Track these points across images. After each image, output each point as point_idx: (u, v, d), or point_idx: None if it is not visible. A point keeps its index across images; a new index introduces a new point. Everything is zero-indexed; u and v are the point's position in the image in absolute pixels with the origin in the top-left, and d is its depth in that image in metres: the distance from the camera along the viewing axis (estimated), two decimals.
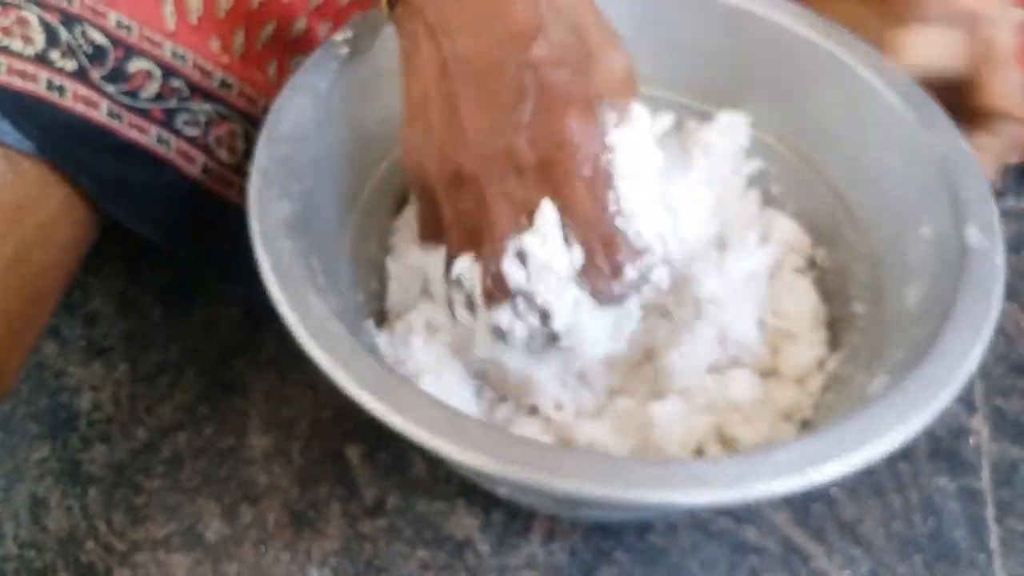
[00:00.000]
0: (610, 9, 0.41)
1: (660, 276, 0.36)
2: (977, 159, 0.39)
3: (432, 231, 0.38)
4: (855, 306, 0.44)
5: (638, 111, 0.35)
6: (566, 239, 0.34)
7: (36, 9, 0.39)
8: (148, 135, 0.43)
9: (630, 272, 0.34)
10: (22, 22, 0.39)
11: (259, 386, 0.50)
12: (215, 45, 0.45)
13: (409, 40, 0.36)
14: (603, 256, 0.34)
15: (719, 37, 0.47)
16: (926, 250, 0.39)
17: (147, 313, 0.53)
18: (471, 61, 0.33)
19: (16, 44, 0.39)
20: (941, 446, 0.48)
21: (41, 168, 0.41)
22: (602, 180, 0.33)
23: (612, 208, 0.33)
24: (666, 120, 0.45)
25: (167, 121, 0.44)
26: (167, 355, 0.52)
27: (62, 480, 0.47)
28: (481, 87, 0.33)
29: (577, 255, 0.34)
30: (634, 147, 0.34)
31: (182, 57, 0.43)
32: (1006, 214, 0.58)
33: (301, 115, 0.38)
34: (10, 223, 0.39)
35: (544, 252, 0.33)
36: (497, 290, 0.35)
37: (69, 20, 0.40)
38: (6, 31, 0.38)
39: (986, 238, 0.36)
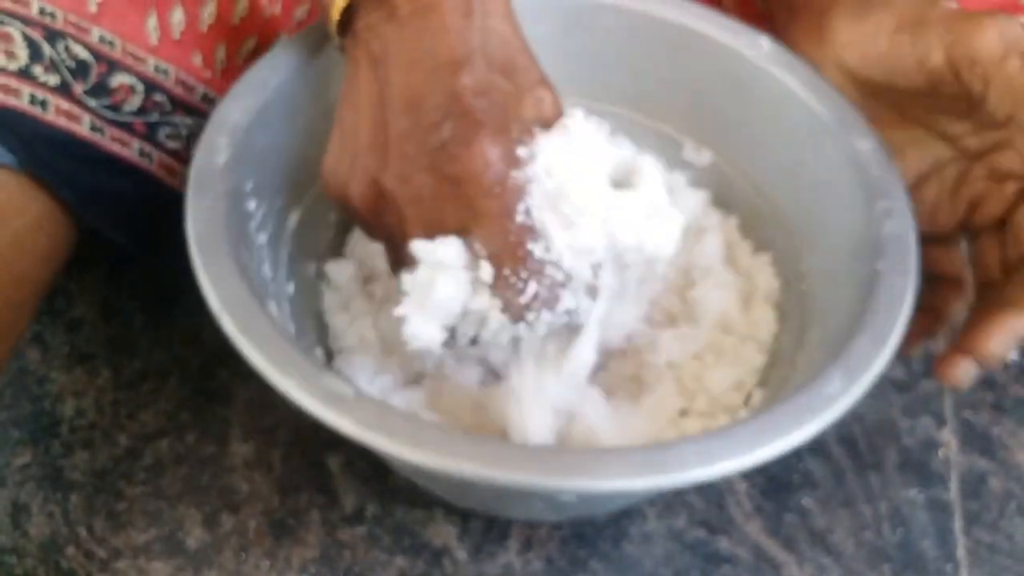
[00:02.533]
0: (552, 30, 0.44)
1: (575, 300, 0.36)
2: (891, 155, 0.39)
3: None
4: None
5: (576, 124, 0.36)
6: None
7: (19, 24, 0.39)
8: (130, 148, 0.43)
9: (534, 287, 0.34)
10: (5, 38, 0.39)
11: (241, 394, 0.50)
12: (197, 60, 0.45)
13: (352, 68, 0.37)
14: (510, 270, 0.34)
15: (654, 53, 0.47)
16: (843, 243, 0.40)
17: (130, 320, 0.54)
18: (404, 90, 0.34)
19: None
20: (911, 458, 0.50)
21: (20, 178, 0.41)
22: (510, 197, 0.33)
23: (521, 222, 0.34)
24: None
25: (149, 134, 0.44)
26: (150, 362, 0.52)
27: (44, 486, 0.47)
28: (409, 114, 0.34)
29: (486, 271, 0.34)
30: (564, 162, 0.35)
31: (165, 72, 0.44)
32: None
33: (249, 109, 0.39)
34: None
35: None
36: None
37: (52, 35, 0.40)
38: None
39: (899, 227, 0.37)
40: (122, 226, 0.45)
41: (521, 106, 0.35)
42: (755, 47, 0.44)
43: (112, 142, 0.43)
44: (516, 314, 0.34)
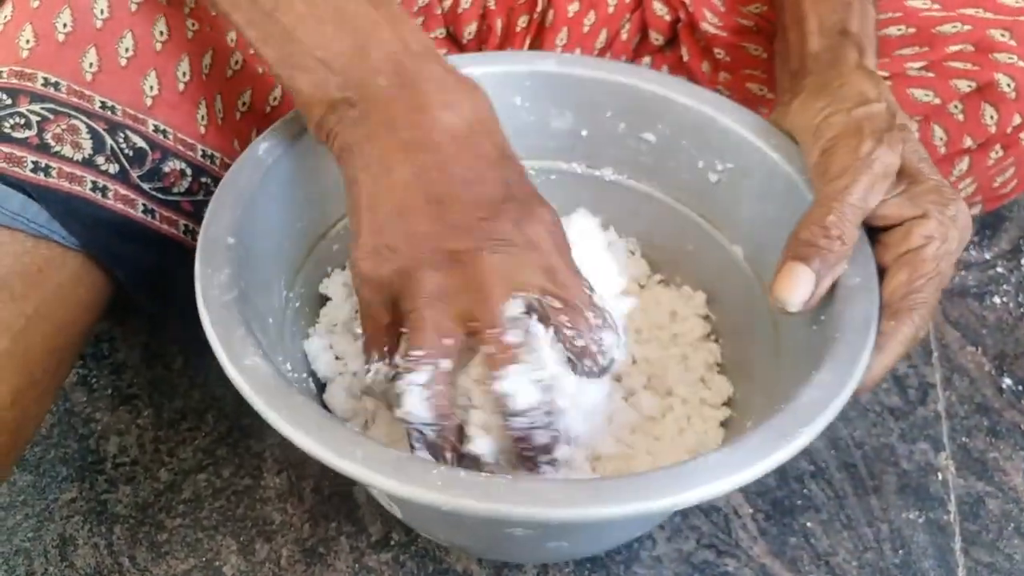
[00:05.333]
0: (544, 95, 0.48)
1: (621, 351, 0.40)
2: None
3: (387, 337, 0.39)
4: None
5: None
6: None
7: (85, 118, 0.43)
8: (177, 227, 0.47)
9: (609, 340, 0.38)
10: (73, 130, 0.43)
11: (273, 430, 0.53)
12: (236, 144, 0.49)
13: (378, 154, 0.37)
14: (589, 334, 0.37)
15: (640, 118, 0.50)
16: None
17: (170, 363, 0.57)
18: (461, 172, 0.37)
19: (66, 150, 0.43)
20: (910, 482, 0.52)
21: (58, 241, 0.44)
22: (570, 255, 0.38)
23: (587, 287, 0.38)
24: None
25: (194, 212, 0.48)
26: (188, 402, 0.55)
27: (89, 519, 0.51)
28: (468, 191, 0.36)
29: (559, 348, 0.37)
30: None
31: (211, 157, 0.48)
32: (968, 265, 0.63)
33: (233, 214, 0.41)
34: (32, 285, 0.43)
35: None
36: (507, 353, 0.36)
37: (113, 127, 0.44)
38: (58, 138, 0.42)
39: (861, 278, 0.39)
40: (165, 299, 0.48)
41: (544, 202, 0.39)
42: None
43: (162, 222, 0.46)
44: (594, 371, 0.38)
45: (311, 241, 0.48)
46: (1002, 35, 0.52)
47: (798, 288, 0.38)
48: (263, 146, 0.43)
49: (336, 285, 0.49)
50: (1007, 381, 0.57)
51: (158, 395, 0.56)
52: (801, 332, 0.41)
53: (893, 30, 0.55)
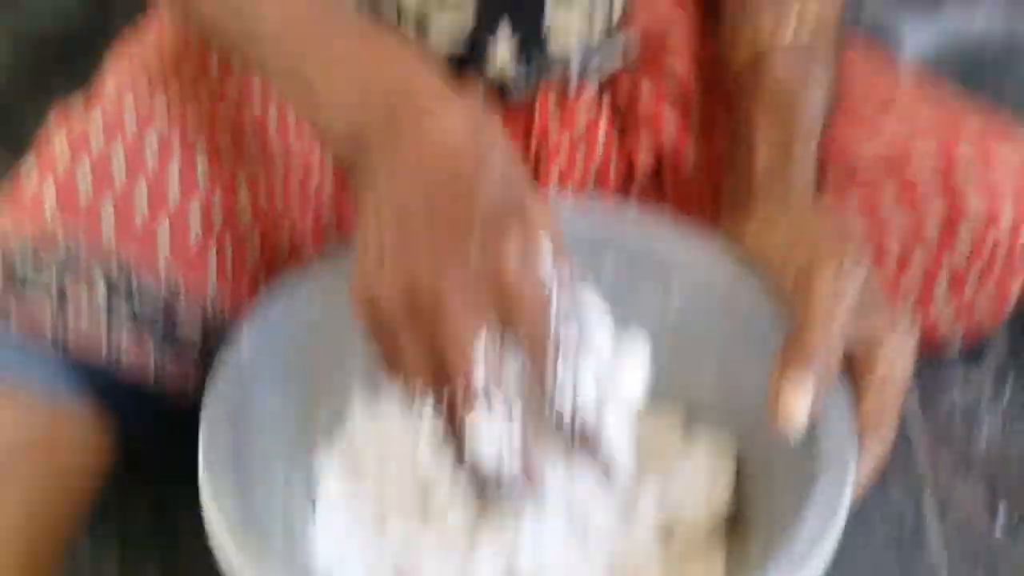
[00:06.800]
0: None
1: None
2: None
3: (395, 364, 0.38)
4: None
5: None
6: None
7: (101, 276, 0.44)
8: (187, 382, 0.46)
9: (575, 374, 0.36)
10: (90, 287, 0.43)
11: None
12: (245, 295, 0.48)
13: (367, 181, 0.38)
14: (552, 359, 0.35)
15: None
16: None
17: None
18: (425, 198, 0.36)
19: (83, 308, 0.43)
20: None
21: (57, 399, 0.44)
22: (544, 294, 0.35)
23: (558, 313, 0.36)
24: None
25: (206, 368, 0.45)
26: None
27: None
28: (435, 216, 0.36)
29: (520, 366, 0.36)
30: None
31: (221, 311, 0.47)
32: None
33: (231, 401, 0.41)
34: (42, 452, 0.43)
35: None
36: (467, 396, 0.36)
37: (129, 284, 0.44)
38: (75, 297, 0.43)
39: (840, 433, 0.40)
40: (174, 459, 0.46)
41: (534, 208, 0.36)
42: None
43: (174, 379, 0.46)
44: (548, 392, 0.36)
45: (302, 446, 0.46)
46: (970, 162, 0.53)
47: (803, 410, 0.39)
48: (244, 344, 0.43)
49: (327, 490, 0.46)
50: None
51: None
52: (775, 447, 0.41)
53: (867, 148, 0.55)
